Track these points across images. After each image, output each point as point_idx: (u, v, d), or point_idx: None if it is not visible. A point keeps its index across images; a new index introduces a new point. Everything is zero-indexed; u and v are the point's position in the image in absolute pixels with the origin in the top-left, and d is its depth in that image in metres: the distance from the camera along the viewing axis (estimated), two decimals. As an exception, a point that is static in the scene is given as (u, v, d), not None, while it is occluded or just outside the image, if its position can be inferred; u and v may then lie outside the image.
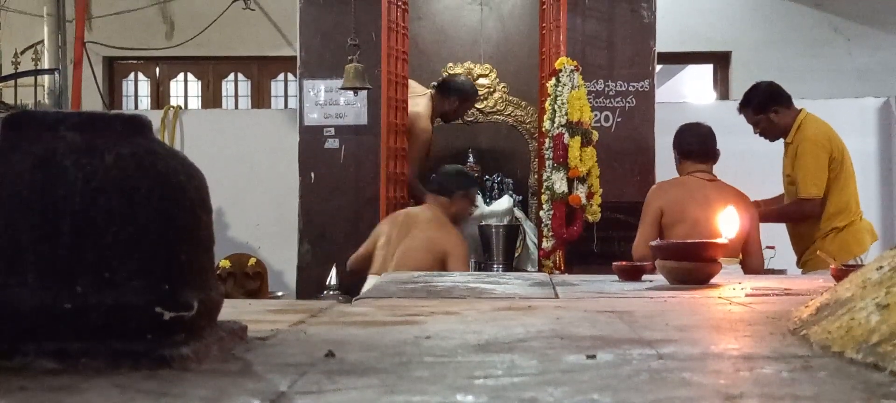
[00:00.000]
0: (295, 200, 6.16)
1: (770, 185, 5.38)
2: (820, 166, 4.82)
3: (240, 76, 9.02)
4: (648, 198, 4.71)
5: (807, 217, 4.89)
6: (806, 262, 4.94)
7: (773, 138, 5.06)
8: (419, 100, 6.14)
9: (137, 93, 9.03)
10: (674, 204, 4.60)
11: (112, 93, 8.81)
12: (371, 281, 4.52)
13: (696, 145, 4.80)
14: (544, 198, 5.38)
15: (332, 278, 5.64)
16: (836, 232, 4.87)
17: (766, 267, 4.75)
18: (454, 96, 6.17)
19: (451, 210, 5.16)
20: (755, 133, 5.11)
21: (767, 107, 5.00)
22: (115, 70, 8.92)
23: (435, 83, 6.44)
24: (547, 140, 5.41)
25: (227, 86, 9.03)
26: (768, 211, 4.99)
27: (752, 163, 6.44)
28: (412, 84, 6.25)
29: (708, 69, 9.07)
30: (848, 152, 4.97)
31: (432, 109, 6.15)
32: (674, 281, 2.93)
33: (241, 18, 8.42)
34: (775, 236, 5.11)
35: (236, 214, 7.11)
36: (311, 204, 6.12)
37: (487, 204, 6.19)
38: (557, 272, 5.03)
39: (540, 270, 5.36)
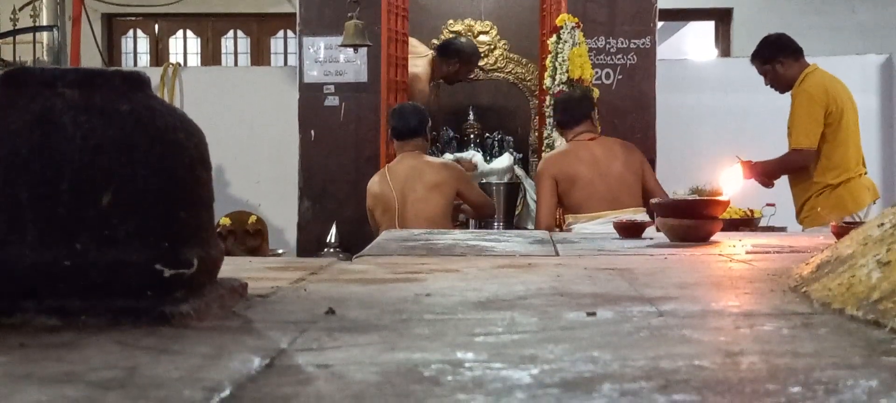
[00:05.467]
0: (295, 158, 6.15)
1: (770, 142, 5.35)
2: (813, 118, 4.82)
3: (239, 33, 8.97)
4: (539, 171, 4.86)
5: (798, 167, 4.92)
6: (804, 218, 4.97)
7: (781, 89, 5.07)
8: (419, 61, 6.10)
9: (136, 51, 8.98)
10: (564, 171, 4.76)
11: (111, 50, 8.76)
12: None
13: (571, 110, 4.97)
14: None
15: (333, 235, 5.64)
16: (830, 189, 4.88)
17: (766, 225, 4.75)
18: (454, 58, 6.14)
19: (426, 148, 5.17)
20: (766, 84, 5.12)
21: (774, 58, 5.01)
22: (113, 27, 8.87)
23: (436, 42, 6.40)
24: (548, 97, 5.39)
25: (227, 44, 8.98)
26: (765, 165, 4.99)
27: (752, 120, 6.43)
28: (414, 42, 6.21)
29: (709, 26, 9.01)
30: (851, 109, 4.95)
31: (432, 72, 6.12)
32: (674, 238, 2.93)
33: (241, -25, 8.38)
34: (776, 193, 5.10)
35: (236, 172, 7.10)
36: (311, 161, 6.10)
37: (488, 161, 6.17)
38: (558, 229, 5.03)
39: (540, 228, 5.36)
